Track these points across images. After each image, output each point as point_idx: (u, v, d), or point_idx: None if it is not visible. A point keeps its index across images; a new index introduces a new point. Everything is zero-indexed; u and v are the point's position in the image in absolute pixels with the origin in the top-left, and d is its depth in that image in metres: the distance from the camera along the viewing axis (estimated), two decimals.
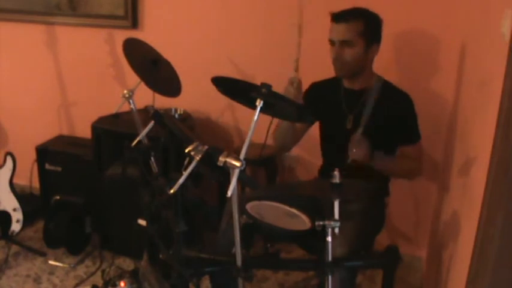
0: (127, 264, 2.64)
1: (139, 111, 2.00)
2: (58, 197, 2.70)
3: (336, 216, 1.49)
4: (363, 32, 1.94)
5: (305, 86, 2.22)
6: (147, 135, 1.86)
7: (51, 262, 2.67)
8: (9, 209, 2.69)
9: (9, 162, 2.66)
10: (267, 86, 1.41)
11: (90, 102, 3.04)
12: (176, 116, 2.78)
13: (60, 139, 3.07)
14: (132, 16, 2.81)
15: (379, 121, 2.02)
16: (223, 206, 2.13)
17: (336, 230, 1.51)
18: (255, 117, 1.40)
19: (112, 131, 2.56)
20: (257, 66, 2.65)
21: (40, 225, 2.80)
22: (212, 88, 1.60)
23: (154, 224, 1.88)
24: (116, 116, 2.22)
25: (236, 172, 1.33)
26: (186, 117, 2.77)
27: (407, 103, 2.03)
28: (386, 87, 2.06)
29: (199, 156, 1.42)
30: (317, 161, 2.30)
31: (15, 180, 2.71)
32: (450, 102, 2.33)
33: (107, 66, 2.93)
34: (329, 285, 1.55)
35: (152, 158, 1.92)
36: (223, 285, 2.05)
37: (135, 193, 2.02)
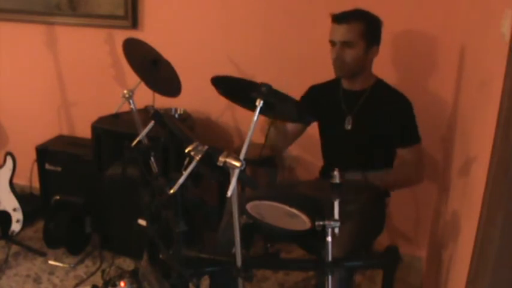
0: (127, 264, 2.64)
1: (139, 111, 2.00)
2: (58, 197, 2.70)
3: (336, 216, 1.49)
4: (364, 33, 1.95)
5: (302, 89, 2.23)
6: (147, 135, 1.86)
7: (51, 262, 2.67)
8: (9, 209, 2.69)
9: (9, 162, 2.67)
10: (267, 86, 1.41)
11: (90, 102, 3.04)
12: (176, 116, 2.78)
13: (60, 139, 3.07)
14: (132, 16, 2.81)
15: (378, 122, 2.02)
16: (223, 206, 2.13)
17: (336, 230, 1.51)
18: (255, 117, 1.41)
19: (112, 131, 2.56)
20: (257, 66, 2.65)
21: (40, 225, 2.80)
22: (212, 88, 1.60)
23: (154, 224, 1.88)
24: (116, 116, 2.23)
25: (236, 172, 1.33)
26: (186, 117, 2.77)
27: (405, 105, 2.02)
28: (385, 89, 2.07)
29: (199, 156, 1.42)
30: (317, 161, 2.30)
31: (15, 180, 2.71)
32: (450, 103, 2.33)
33: (107, 66, 2.93)
34: (329, 285, 1.55)
35: (152, 158, 1.92)
36: (223, 285, 2.05)
37: (135, 193, 2.02)
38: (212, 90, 1.62)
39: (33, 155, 2.89)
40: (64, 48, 3.03)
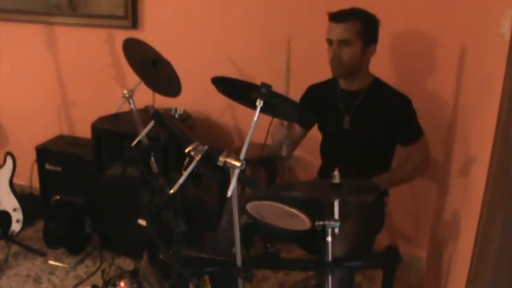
0: (127, 264, 2.64)
1: (139, 111, 2.00)
2: (58, 197, 2.70)
3: (336, 216, 1.50)
4: (361, 32, 1.95)
5: (302, 89, 2.22)
6: (147, 135, 1.86)
7: (51, 262, 2.67)
8: (9, 209, 2.69)
9: (9, 162, 2.67)
10: (267, 86, 1.41)
11: (90, 102, 3.04)
12: (176, 116, 2.78)
13: (60, 139, 3.07)
14: (132, 16, 2.81)
15: (376, 121, 2.02)
16: (223, 206, 2.13)
17: (336, 230, 1.52)
18: (255, 117, 1.41)
19: (112, 131, 2.56)
20: (257, 66, 2.65)
21: (40, 225, 2.80)
22: (212, 88, 1.60)
23: (154, 224, 1.88)
24: (116, 116, 2.23)
25: (236, 172, 1.33)
26: (186, 117, 2.77)
27: (403, 103, 2.02)
28: (382, 88, 2.07)
29: (199, 156, 1.42)
30: (317, 161, 2.30)
31: (15, 180, 2.71)
32: (450, 103, 2.33)
33: (107, 66, 2.93)
34: (329, 285, 1.55)
35: (152, 158, 1.92)
36: (223, 285, 2.05)
37: (135, 193, 2.02)
38: (212, 90, 1.62)
39: (33, 155, 2.89)
40: (64, 48, 3.03)
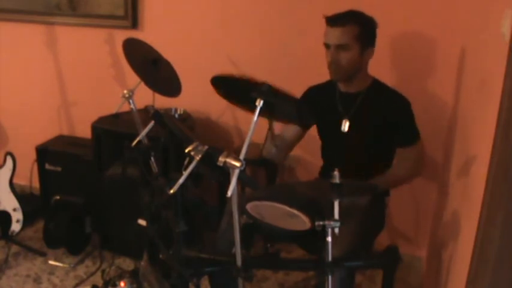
0: (127, 264, 2.64)
1: (139, 111, 2.00)
2: (58, 197, 2.70)
3: (336, 216, 1.49)
4: (359, 36, 1.93)
5: (303, 89, 2.22)
6: (147, 135, 1.86)
7: (51, 262, 2.67)
8: (9, 209, 2.69)
9: (9, 162, 2.67)
10: (267, 85, 1.41)
11: (90, 102, 3.04)
12: (176, 116, 2.78)
13: (60, 139, 3.07)
14: (132, 16, 2.81)
15: (375, 123, 2.02)
16: (223, 206, 2.13)
17: (336, 230, 1.52)
18: (255, 117, 1.40)
19: (112, 131, 2.56)
20: (257, 66, 2.64)
21: (40, 225, 2.80)
22: (212, 88, 1.60)
23: (154, 224, 1.88)
24: (116, 116, 2.22)
25: (236, 172, 1.33)
26: (186, 117, 2.77)
27: (402, 105, 2.01)
28: (382, 90, 2.06)
29: (199, 156, 1.42)
30: (317, 161, 2.30)
31: (15, 180, 2.71)
32: (450, 103, 2.33)
33: (107, 66, 2.93)
34: (329, 285, 1.55)
35: (152, 158, 1.92)
36: (223, 285, 2.05)
37: (135, 193, 2.02)
38: (212, 90, 1.62)
39: (33, 155, 2.88)
40: (64, 48, 3.03)
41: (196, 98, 2.63)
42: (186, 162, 1.47)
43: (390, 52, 2.43)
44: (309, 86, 2.23)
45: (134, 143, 1.85)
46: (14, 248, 2.72)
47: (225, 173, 1.36)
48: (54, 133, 3.12)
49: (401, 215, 2.64)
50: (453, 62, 2.27)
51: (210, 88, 1.59)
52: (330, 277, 1.55)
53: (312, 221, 1.53)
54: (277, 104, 1.48)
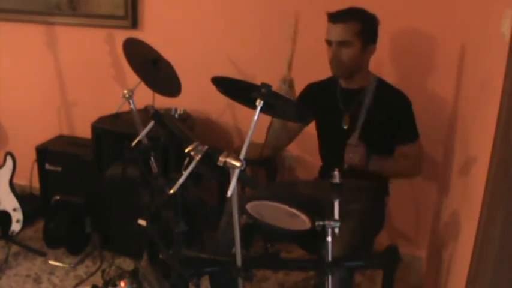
0: (127, 264, 2.64)
1: (139, 111, 2.00)
2: (58, 197, 2.70)
3: (336, 216, 1.49)
4: (360, 32, 1.95)
5: (301, 86, 2.23)
6: (147, 135, 1.86)
7: (51, 262, 2.67)
8: (9, 209, 2.69)
9: (9, 162, 2.67)
10: (267, 86, 1.41)
11: (90, 102, 3.04)
12: (176, 116, 2.78)
13: (60, 139, 3.07)
14: (132, 16, 2.81)
15: (375, 120, 2.02)
16: (223, 206, 2.13)
17: (336, 230, 1.51)
18: (255, 117, 1.41)
19: (112, 131, 2.56)
20: (257, 66, 2.65)
21: (40, 225, 2.80)
22: (212, 88, 1.60)
23: (154, 224, 1.88)
24: (116, 116, 2.22)
25: (236, 172, 1.33)
26: (186, 117, 2.77)
27: (403, 102, 2.02)
28: (383, 87, 2.06)
29: (199, 156, 1.42)
30: (317, 161, 2.30)
31: (15, 180, 2.71)
32: (450, 102, 2.33)
33: (107, 66, 2.93)
34: (329, 285, 1.55)
35: (152, 158, 1.92)
36: (223, 285, 2.05)
37: (135, 193, 2.02)
38: (212, 91, 1.62)
39: (33, 155, 2.89)
40: (64, 48, 3.03)
41: (196, 98, 2.63)
42: (186, 162, 1.47)
43: (390, 51, 2.43)
44: (308, 83, 2.23)
45: (134, 143, 1.85)
46: (14, 248, 2.72)
47: (225, 173, 1.36)
48: (54, 133, 3.12)
49: (401, 215, 2.64)
50: (453, 62, 2.27)
51: (210, 88, 1.59)
52: (329, 277, 1.55)
53: (312, 221, 1.53)
54: (277, 104, 1.48)
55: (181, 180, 1.44)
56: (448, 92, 2.33)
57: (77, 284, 2.51)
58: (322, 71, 2.13)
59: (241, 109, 1.63)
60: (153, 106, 1.91)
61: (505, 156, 1.10)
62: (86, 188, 2.73)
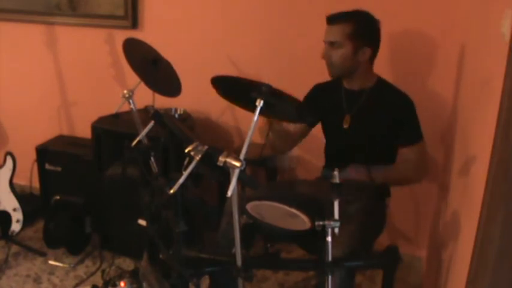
0: (127, 264, 2.64)
1: (139, 111, 2.00)
2: (58, 197, 2.70)
3: (336, 216, 1.49)
4: (351, 35, 1.94)
5: (301, 90, 2.22)
6: (147, 135, 1.86)
7: (51, 262, 2.67)
8: (9, 209, 2.69)
9: (9, 162, 2.67)
10: (267, 85, 1.41)
11: (90, 102, 3.04)
12: (176, 116, 2.78)
13: (60, 139, 3.07)
14: (132, 16, 2.81)
15: (377, 121, 2.02)
16: (223, 206, 2.13)
17: (336, 230, 1.51)
18: (255, 117, 1.41)
19: (112, 131, 2.56)
20: (257, 66, 2.65)
21: (40, 225, 2.80)
22: (212, 88, 1.60)
23: (154, 224, 1.88)
24: (116, 116, 2.22)
25: (236, 172, 1.33)
26: (186, 117, 2.77)
27: (405, 103, 2.02)
28: (384, 88, 2.06)
29: (199, 156, 1.42)
30: (317, 161, 2.30)
31: (15, 180, 2.71)
32: (450, 102, 2.33)
33: (107, 66, 2.93)
34: (329, 285, 1.55)
35: (152, 158, 1.92)
36: (223, 285, 2.05)
37: (135, 193, 2.02)
38: (212, 90, 1.61)
39: (33, 155, 2.88)
40: (64, 48, 3.03)
41: (196, 98, 2.63)
42: (186, 162, 1.47)
43: (390, 51, 2.42)
44: (309, 85, 2.24)
45: (134, 143, 1.85)
46: (14, 248, 2.72)
47: (225, 173, 1.36)
48: (54, 133, 3.12)
49: (401, 215, 2.64)
50: (453, 62, 2.27)
51: (210, 88, 1.59)
52: (330, 277, 1.55)
53: (312, 221, 1.53)
54: (277, 104, 1.48)
55: (181, 180, 1.44)
56: (448, 92, 2.33)
57: (77, 284, 2.51)
58: (321, 74, 2.13)
59: (241, 109, 1.63)
60: (153, 106, 1.91)
61: (505, 156, 1.10)
62: (86, 188, 2.73)
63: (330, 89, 2.17)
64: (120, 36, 2.24)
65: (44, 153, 2.88)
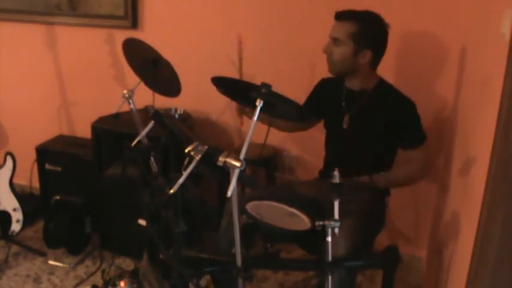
0: (127, 264, 2.64)
1: (139, 111, 2.00)
2: (58, 197, 2.70)
3: (336, 216, 1.49)
4: (354, 34, 1.92)
5: (300, 89, 2.22)
6: (147, 135, 1.86)
7: (51, 262, 2.67)
8: (9, 209, 2.69)
9: (9, 162, 2.66)
10: (267, 86, 1.41)
11: (90, 102, 3.04)
12: (176, 116, 2.78)
13: (60, 139, 3.07)
14: (132, 16, 2.81)
15: (377, 123, 2.02)
16: (223, 206, 2.13)
17: (336, 230, 1.52)
18: (255, 117, 1.41)
19: (112, 131, 2.56)
20: (257, 66, 2.64)
21: (40, 225, 2.80)
22: (212, 88, 1.60)
23: (154, 224, 1.88)
24: (116, 116, 2.22)
25: (236, 172, 1.33)
26: (186, 117, 2.77)
27: (407, 107, 2.00)
28: (387, 90, 2.06)
29: (199, 156, 1.42)
30: (317, 161, 2.30)
31: (15, 180, 2.71)
32: (450, 102, 2.33)
33: (107, 66, 2.93)
34: (329, 285, 1.55)
35: (152, 158, 1.92)
36: (223, 285, 2.05)
37: (135, 193, 2.02)
38: (212, 91, 1.62)
39: (33, 155, 2.88)
40: (64, 48, 3.03)
41: (196, 98, 2.63)
42: (186, 162, 1.47)
43: (390, 51, 2.41)
44: (308, 85, 2.24)
45: (134, 143, 1.85)
46: (14, 248, 2.72)
47: (225, 173, 1.36)
48: (54, 133, 3.12)
49: (401, 215, 2.64)
50: (453, 62, 2.28)
51: (210, 88, 1.60)
52: (330, 277, 1.55)
53: (312, 221, 1.53)
54: (277, 104, 1.48)
55: (181, 180, 1.44)
56: (448, 92, 2.33)
57: (77, 284, 2.51)
58: (321, 74, 2.13)
59: None
60: (153, 106, 1.91)
61: (505, 156, 1.10)
62: (86, 188, 2.73)
63: (333, 85, 2.15)
64: (120, 36, 2.24)
65: (44, 153, 2.87)
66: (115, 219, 2.66)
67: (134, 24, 2.82)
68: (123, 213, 2.51)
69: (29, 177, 3.05)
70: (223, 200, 2.22)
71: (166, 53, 1.97)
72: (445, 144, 2.41)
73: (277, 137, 2.57)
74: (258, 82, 1.45)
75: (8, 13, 3.04)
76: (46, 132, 3.07)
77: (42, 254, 2.72)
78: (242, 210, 1.69)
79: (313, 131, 2.27)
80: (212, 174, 1.46)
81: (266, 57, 2.66)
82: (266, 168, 2.70)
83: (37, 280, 2.55)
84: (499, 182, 1.12)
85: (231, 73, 2.50)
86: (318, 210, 1.52)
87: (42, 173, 2.89)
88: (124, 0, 2.79)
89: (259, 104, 1.40)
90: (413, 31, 2.40)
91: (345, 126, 2.08)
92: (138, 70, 2.02)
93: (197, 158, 1.42)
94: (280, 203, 1.58)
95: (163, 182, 1.78)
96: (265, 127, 2.17)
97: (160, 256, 1.81)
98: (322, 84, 2.22)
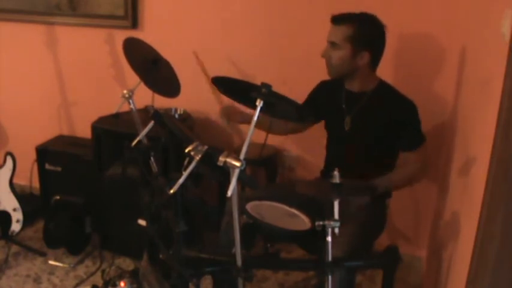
0: (127, 264, 2.64)
1: (139, 111, 2.00)
2: (58, 197, 2.70)
3: (336, 216, 1.50)
4: (351, 37, 1.93)
5: (300, 91, 2.22)
6: (147, 135, 1.86)
7: (51, 262, 2.67)
8: (9, 209, 2.69)
9: (9, 162, 2.66)
10: (267, 86, 1.41)
11: (90, 102, 3.04)
12: (176, 116, 2.78)
13: (60, 139, 3.07)
14: (132, 16, 2.81)
15: (378, 125, 2.01)
16: (223, 206, 2.13)
17: (336, 230, 1.52)
18: (255, 117, 1.41)
19: (112, 131, 2.56)
20: (257, 66, 2.65)
21: (40, 225, 2.80)
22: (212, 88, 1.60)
23: (154, 224, 1.88)
24: (116, 116, 2.22)
25: (236, 172, 1.33)
26: (186, 117, 2.77)
27: (408, 107, 2.00)
28: (387, 92, 2.05)
29: (199, 156, 1.42)
30: (317, 161, 2.30)
31: (15, 180, 2.71)
32: (450, 102, 2.33)
33: (107, 66, 2.93)
34: (329, 285, 1.55)
35: (152, 158, 1.92)
36: (223, 285, 2.05)
37: (135, 193, 2.02)
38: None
39: (33, 155, 2.88)
40: (64, 48, 3.03)
41: (196, 98, 2.63)
42: (186, 162, 1.47)
43: (390, 51, 2.41)
44: (307, 85, 2.24)
45: (134, 143, 1.85)
46: (14, 248, 2.72)
47: (225, 173, 1.36)
48: (54, 133, 3.12)
49: (401, 215, 2.64)
50: (453, 62, 2.27)
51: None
52: (329, 277, 1.55)
53: (312, 221, 1.53)
54: (277, 104, 1.48)
55: (181, 180, 1.44)
56: (448, 92, 2.33)
57: (77, 284, 2.51)
58: (321, 75, 2.13)
59: (241, 109, 1.63)
60: (153, 106, 1.91)
61: (505, 156, 1.10)
62: (86, 188, 2.73)
63: (333, 87, 2.16)
64: (120, 36, 2.24)
65: (44, 153, 2.88)
66: (115, 219, 2.66)
67: (134, 24, 2.82)
68: (123, 213, 2.51)
69: (29, 177, 3.05)
70: (223, 200, 2.22)
71: (166, 53, 1.97)
72: (445, 145, 2.41)
73: (277, 137, 2.57)
74: (258, 82, 1.45)
75: (8, 13, 3.04)
76: (46, 132, 3.07)
77: (42, 254, 2.72)
78: (242, 210, 1.69)
79: (313, 131, 2.27)
80: (212, 174, 1.46)
81: (266, 57, 2.66)
82: (266, 168, 2.70)
83: (37, 280, 2.55)
84: (499, 182, 1.12)
85: (231, 73, 2.49)
86: (318, 210, 1.53)
87: (42, 173, 2.89)
88: (124, 0, 2.79)
89: (259, 104, 1.40)
90: (413, 31, 2.40)
91: (346, 128, 2.08)
92: (138, 70, 2.02)
93: (197, 158, 1.42)
94: (280, 203, 1.58)
95: (163, 182, 1.79)
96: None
97: (160, 256, 1.81)
98: (322, 87, 2.22)
